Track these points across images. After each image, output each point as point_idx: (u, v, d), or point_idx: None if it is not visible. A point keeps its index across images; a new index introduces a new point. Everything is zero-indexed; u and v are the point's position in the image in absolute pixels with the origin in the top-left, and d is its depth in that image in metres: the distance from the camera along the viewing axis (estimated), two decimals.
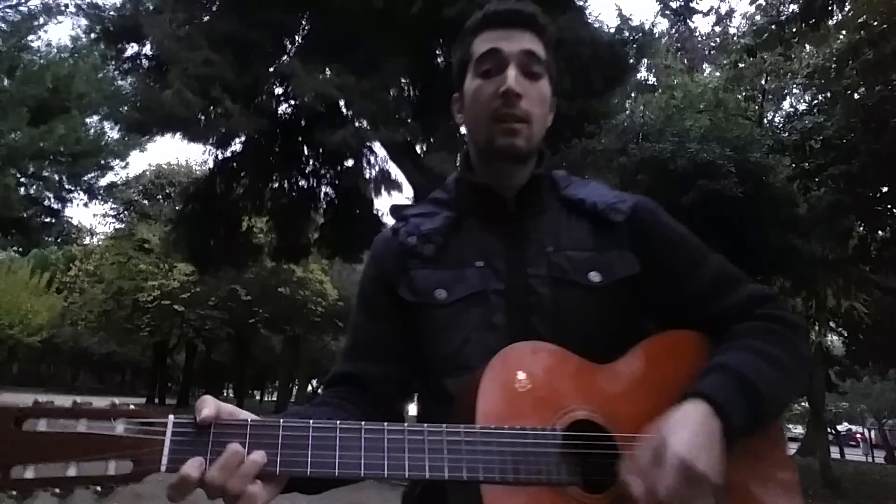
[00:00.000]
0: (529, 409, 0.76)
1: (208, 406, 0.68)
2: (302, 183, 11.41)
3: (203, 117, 8.75)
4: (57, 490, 0.61)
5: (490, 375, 0.76)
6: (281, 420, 0.69)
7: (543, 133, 0.98)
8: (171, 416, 0.66)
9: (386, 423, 0.71)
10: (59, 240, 29.88)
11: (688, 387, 0.79)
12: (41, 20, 16.53)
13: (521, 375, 0.77)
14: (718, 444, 0.73)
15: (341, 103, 9.21)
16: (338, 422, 0.70)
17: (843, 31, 8.04)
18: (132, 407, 0.67)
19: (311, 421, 0.69)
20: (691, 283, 0.93)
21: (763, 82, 12.29)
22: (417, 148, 10.11)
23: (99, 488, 0.63)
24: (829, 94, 9.33)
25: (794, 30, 7.38)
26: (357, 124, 9.04)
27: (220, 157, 10.94)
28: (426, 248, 0.94)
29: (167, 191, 25.31)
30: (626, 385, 0.82)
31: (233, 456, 0.65)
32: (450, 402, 0.83)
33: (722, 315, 0.90)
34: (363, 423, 0.71)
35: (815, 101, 10.69)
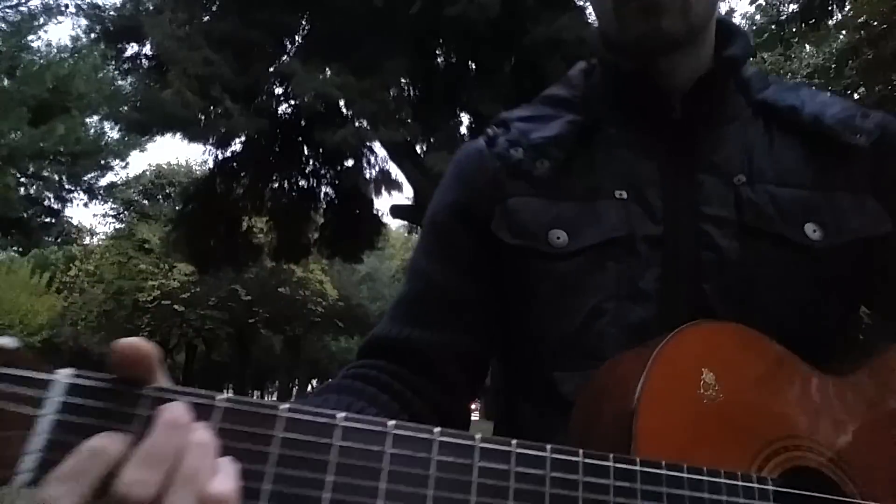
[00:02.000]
0: (720, 437, 0.47)
1: (143, 343, 0.34)
2: (302, 183, 11.40)
3: (203, 117, 8.75)
4: None
5: (661, 369, 0.46)
6: (284, 407, 0.35)
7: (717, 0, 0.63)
8: (67, 371, 0.33)
9: (478, 438, 0.38)
10: (59, 240, 29.86)
11: None
12: (41, 20, 16.54)
13: (710, 376, 0.48)
14: None
15: (341, 103, 9.20)
16: (390, 424, 0.37)
17: (843, 31, 8.04)
18: None
19: (339, 416, 0.37)
20: None
21: None
22: (417, 148, 10.10)
23: None
24: (829, 94, 9.33)
25: (794, 30, 7.39)
26: (357, 124, 9.04)
27: (220, 157, 10.93)
28: (538, 166, 0.62)
29: (167, 191, 25.30)
30: (872, 417, 0.51)
31: (173, 431, 0.32)
32: (563, 409, 0.53)
33: None
34: (435, 430, 0.37)
35: None
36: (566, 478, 0.39)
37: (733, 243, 0.58)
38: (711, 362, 0.48)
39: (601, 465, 0.40)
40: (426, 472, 0.36)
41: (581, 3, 9.94)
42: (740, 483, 0.43)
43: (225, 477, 0.33)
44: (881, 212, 0.60)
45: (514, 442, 0.38)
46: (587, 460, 0.40)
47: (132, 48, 10.37)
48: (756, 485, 0.44)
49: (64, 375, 0.32)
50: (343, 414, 0.36)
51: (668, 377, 0.47)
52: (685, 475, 0.42)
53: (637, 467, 0.41)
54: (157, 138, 19.53)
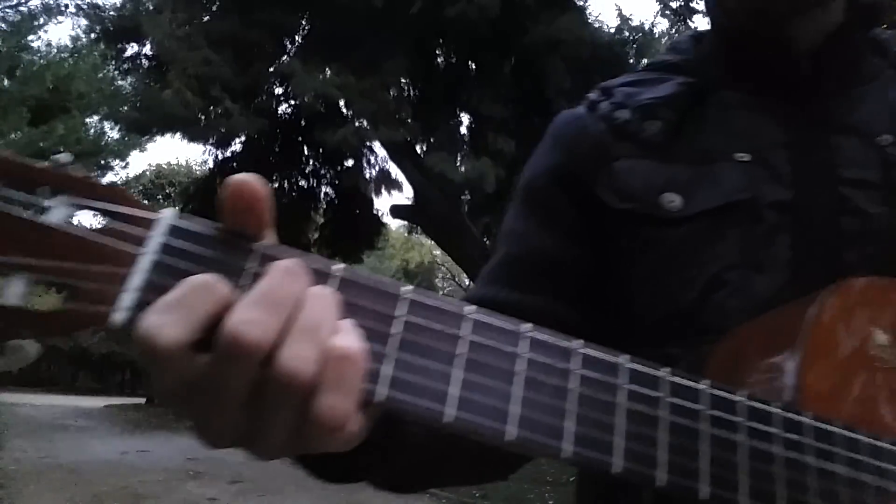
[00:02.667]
0: (892, 404, 0.40)
1: (260, 183, 0.31)
2: (302, 183, 11.41)
3: (203, 117, 8.76)
4: None
5: (828, 323, 0.41)
6: (407, 289, 0.32)
7: None
8: (169, 212, 0.32)
9: (624, 359, 0.34)
10: None
11: None
12: (41, 20, 16.54)
13: (882, 337, 0.41)
14: None
15: (341, 103, 9.20)
16: (524, 327, 0.33)
17: None
18: (92, 178, 0.31)
19: (468, 310, 0.33)
20: None
21: None
22: (417, 148, 10.11)
23: None
24: None
25: None
26: (357, 124, 9.05)
27: (220, 157, 10.94)
28: (648, 127, 0.57)
29: (167, 191, 25.31)
30: None
31: (288, 278, 0.29)
32: None
33: None
34: (576, 342, 0.34)
35: None
36: (727, 418, 0.34)
37: (880, 208, 0.51)
38: (883, 322, 0.41)
39: (767, 412, 0.35)
40: (567, 385, 0.32)
41: (581, 2, 9.95)
42: None
43: (350, 335, 0.29)
44: None
45: (665, 370, 0.34)
46: (752, 403, 0.35)
47: (132, 48, 10.38)
48: None
49: (168, 216, 0.31)
50: (471, 308, 0.33)
51: (833, 334, 0.41)
52: (864, 439, 0.36)
53: (810, 421, 0.35)
54: (157, 138, 19.51)
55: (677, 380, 0.34)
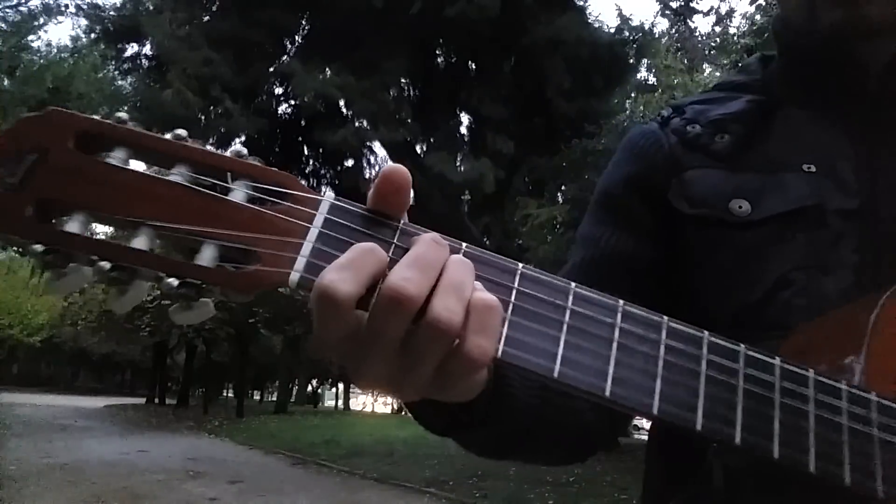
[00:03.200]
0: None
1: (408, 178, 0.38)
2: (302, 183, 11.42)
3: (203, 117, 8.75)
4: (106, 264, 0.35)
5: (889, 321, 0.44)
6: (519, 266, 0.39)
7: None
8: (329, 195, 0.39)
9: (707, 334, 0.40)
10: None
11: None
12: (41, 20, 16.54)
13: None
14: None
15: (341, 103, 9.21)
16: (620, 302, 0.39)
17: None
18: (266, 167, 0.39)
19: (572, 285, 0.39)
20: None
21: None
22: (417, 148, 10.11)
23: (175, 283, 0.35)
24: None
25: None
26: (357, 124, 9.05)
27: None
28: (719, 140, 0.61)
29: None
30: None
31: (433, 248, 0.36)
32: None
33: None
34: (665, 318, 0.39)
35: None
36: (796, 390, 0.39)
37: None
38: None
39: (834, 387, 0.40)
40: (655, 353, 0.38)
41: (581, 2, 9.95)
42: None
43: (484, 292, 0.36)
44: None
45: (742, 346, 0.39)
46: (820, 378, 0.40)
47: (132, 48, 10.39)
48: None
49: (329, 197, 0.38)
50: (573, 284, 0.39)
51: (894, 331, 0.44)
52: None
53: (875, 398, 0.40)
54: None
55: (752, 353, 0.39)
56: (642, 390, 0.37)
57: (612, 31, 10.48)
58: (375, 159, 11.23)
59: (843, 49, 0.60)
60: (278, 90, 10.04)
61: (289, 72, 8.57)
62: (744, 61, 0.73)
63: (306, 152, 11.02)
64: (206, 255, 0.36)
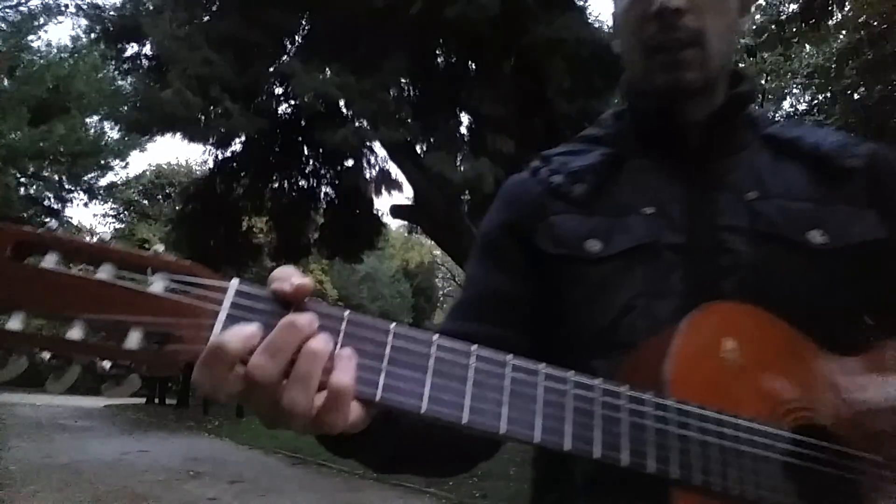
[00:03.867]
0: (739, 392, 0.54)
1: (299, 275, 0.46)
2: (302, 183, 11.40)
3: (203, 117, 8.74)
4: (46, 356, 0.42)
5: (690, 335, 0.55)
6: (392, 325, 0.47)
7: (731, 48, 0.74)
8: (236, 281, 0.45)
9: (543, 366, 0.49)
10: None
11: None
12: (41, 20, 16.52)
13: (731, 344, 0.56)
14: None
15: (341, 103, 9.20)
16: (473, 347, 0.48)
17: (843, 31, 8.05)
18: (180, 260, 0.46)
19: (434, 337, 0.47)
20: None
21: (763, 82, 12.27)
22: (417, 148, 10.10)
23: (107, 366, 0.42)
24: (829, 94, 9.35)
25: (794, 30, 7.39)
26: (357, 124, 9.04)
27: (220, 157, 10.93)
28: (576, 189, 0.73)
29: (167, 191, 25.31)
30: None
31: (289, 331, 0.43)
32: None
33: None
34: (509, 356, 0.49)
35: (815, 101, 10.72)
36: (612, 402, 0.50)
37: (748, 248, 0.66)
38: (731, 332, 0.57)
39: (640, 398, 0.50)
40: (502, 385, 0.47)
41: (581, 2, 9.94)
42: (752, 424, 0.52)
43: (344, 370, 0.44)
44: (877, 221, 0.68)
45: (542, 365, 0.49)
46: (630, 392, 0.50)
47: (132, 48, 10.37)
48: (771, 428, 0.52)
49: (235, 284, 0.45)
50: (436, 335, 0.47)
51: (695, 339, 0.56)
52: (710, 413, 0.51)
53: (673, 402, 0.51)
54: (157, 138, 19.55)
55: (577, 378, 0.50)
56: (493, 416, 0.46)
57: (612, 31, 10.46)
58: (375, 159, 11.23)
59: (672, 108, 0.72)
60: (278, 90, 10.03)
61: (289, 72, 8.56)
62: (600, 116, 0.86)
63: (306, 152, 11.01)
64: (133, 340, 0.43)
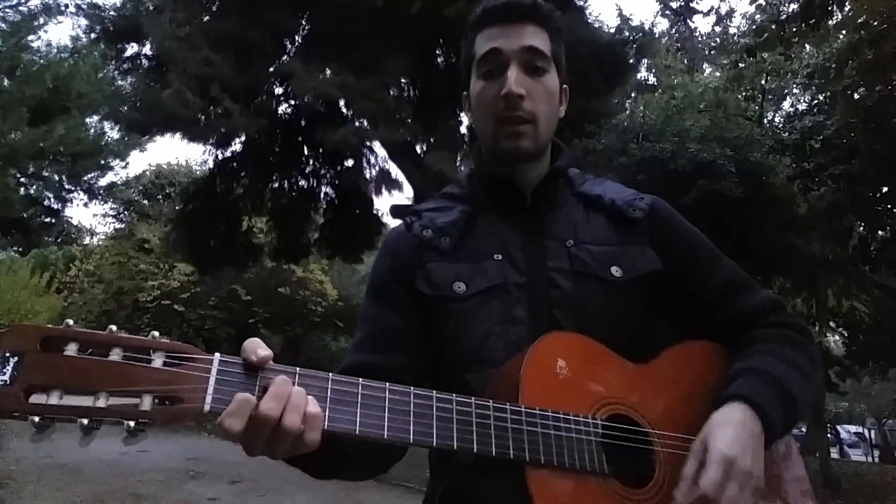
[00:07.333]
0: (569, 396, 0.77)
1: (263, 347, 0.64)
2: (302, 183, 11.40)
3: (203, 117, 8.74)
4: (83, 421, 0.55)
5: (534, 359, 0.76)
6: (329, 374, 0.67)
7: (554, 128, 0.97)
8: (217, 354, 0.62)
9: (435, 392, 0.71)
10: (59, 240, 29.85)
11: (720, 391, 0.80)
12: (41, 20, 16.51)
13: (562, 363, 0.78)
14: (760, 444, 0.75)
15: (341, 103, 9.20)
16: (387, 384, 0.69)
17: (843, 31, 8.04)
18: (173, 342, 0.62)
19: (360, 380, 0.68)
20: (706, 284, 0.94)
21: (763, 82, 12.27)
22: (417, 148, 10.10)
23: (131, 424, 0.56)
24: (829, 94, 9.34)
25: (794, 30, 7.39)
26: (357, 124, 9.04)
27: (220, 157, 10.92)
28: (442, 241, 0.93)
29: (167, 191, 25.27)
30: (658, 386, 0.84)
31: (283, 385, 0.63)
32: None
33: (734, 319, 0.91)
34: (412, 388, 0.70)
35: (815, 101, 10.71)
36: (466, 409, 0.73)
37: (569, 283, 0.88)
38: (562, 354, 0.78)
39: (486, 404, 0.73)
40: (408, 408, 0.70)
41: (581, 2, 9.94)
42: (577, 418, 0.75)
43: (314, 403, 0.64)
44: (655, 255, 0.93)
45: (360, 380, 0.69)
46: (479, 401, 0.73)
47: (132, 48, 10.36)
48: (589, 419, 0.76)
49: (218, 356, 0.62)
50: (361, 380, 0.69)
51: (539, 362, 0.77)
52: (538, 411, 0.74)
53: (517, 406, 0.73)
54: (157, 138, 19.53)
55: (442, 395, 0.72)
56: (404, 431, 0.68)
57: (612, 31, 10.47)
58: (375, 159, 11.23)
59: (512, 170, 0.95)
60: (278, 90, 10.02)
61: (289, 72, 8.55)
62: (457, 175, 1.08)
63: (306, 152, 11.00)
64: (146, 403, 0.58)
